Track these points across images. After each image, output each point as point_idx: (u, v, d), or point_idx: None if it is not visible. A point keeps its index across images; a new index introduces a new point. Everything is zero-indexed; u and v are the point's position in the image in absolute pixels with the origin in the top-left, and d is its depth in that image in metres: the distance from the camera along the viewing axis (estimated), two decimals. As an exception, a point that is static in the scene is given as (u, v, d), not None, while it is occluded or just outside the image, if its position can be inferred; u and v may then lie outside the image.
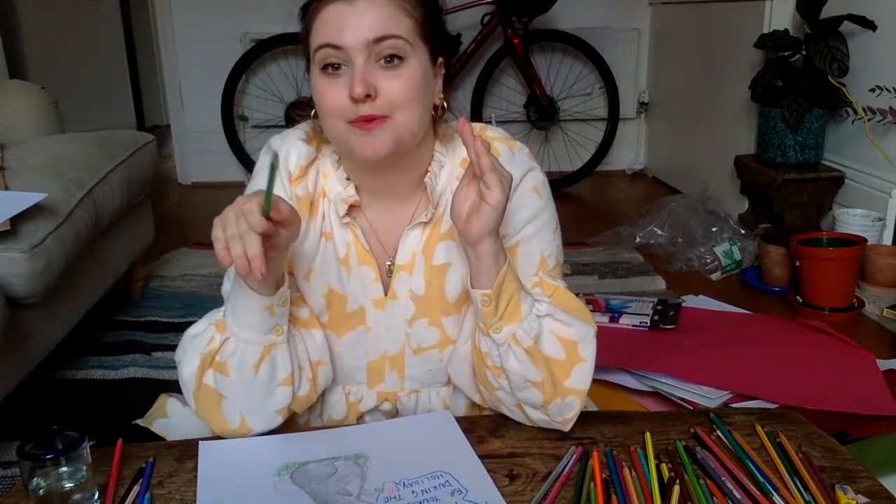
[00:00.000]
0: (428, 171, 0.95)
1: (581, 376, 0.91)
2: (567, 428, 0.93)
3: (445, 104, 0.94)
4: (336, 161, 0.96)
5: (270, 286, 0.86)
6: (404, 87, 0.85)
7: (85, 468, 0.77)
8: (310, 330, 0.97)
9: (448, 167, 0.96)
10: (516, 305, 0.87)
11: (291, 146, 0.96)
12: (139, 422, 1.08)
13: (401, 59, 0.85)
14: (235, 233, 0.76)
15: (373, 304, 0.98)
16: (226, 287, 0.94)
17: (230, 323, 0.89)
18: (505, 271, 0.86)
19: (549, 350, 0.90)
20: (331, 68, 0.85)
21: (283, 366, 0.91)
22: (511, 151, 0.96)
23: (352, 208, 0.96)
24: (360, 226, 0.96)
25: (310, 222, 0.96)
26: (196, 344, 0.91)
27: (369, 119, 0.85)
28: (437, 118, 0.95)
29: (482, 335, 0.89)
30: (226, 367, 0.89)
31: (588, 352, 0.92)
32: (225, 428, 0.92)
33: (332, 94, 0.85)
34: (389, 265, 0.97)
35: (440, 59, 0.92)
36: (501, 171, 0.82)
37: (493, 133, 0.98)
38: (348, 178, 0.95)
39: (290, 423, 1.01)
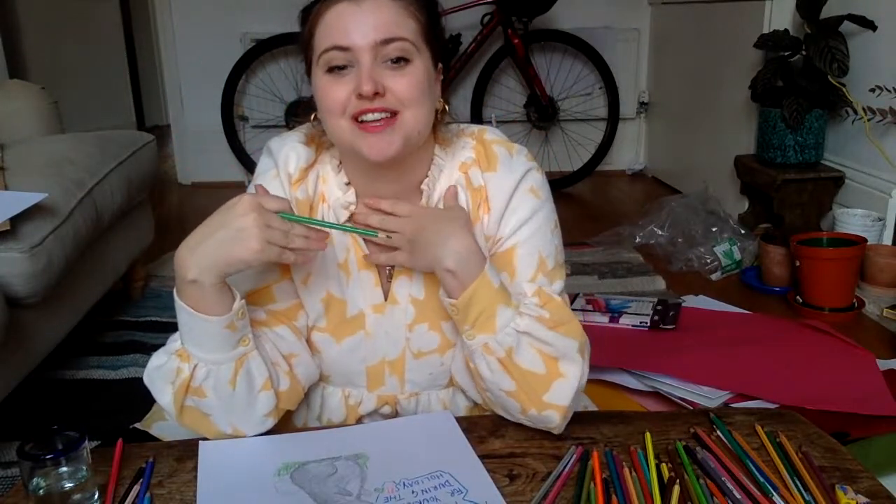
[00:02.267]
0: (427, 176, 0.95)
1: (561, 392, 0.89)
2: (556, 433, 0.92)
3: (446, 107, 0.94)
4: (336, 166, 0.96)
5: (224, 305, 0.84)
6: (411, 85, 0.85)
7: (85, 468, 0.77)
8: (271, 328, 0.95)
9: (447, 171, 0.95)
10: (489, 318, 0.87)
11: (290, 149, 0.95)
12: (138, 425, 1.08)
13: (407, 60, 0.85)
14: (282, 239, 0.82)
15: (372, 309, 0.97)
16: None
17: (193, 351, 0.87)
18: (475, 287, 0.86)
19: (527, 363, 0.89)
20: (336, 69, 0.85)
21: (259, 372, 0.90)
22: (509, 154, 0.96)
23: (351, 213, 0.95)
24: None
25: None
26: (162, 375, 0.89)
27: (376, 118, 0.85)
28: (438, 122, 0.94)
29: (460, 336, 0.91)
30: (202, 390, 0.88)
31: (570, 368, 0.90)
32: (219, 436, 0.92)
33: (337, 91, 0.85)
34: (389, 270, 0.97)
35: (440, 65, 0.92)
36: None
37: (491, 136, 0.98)
38: (348, 184, 0.95)
39: (289, 426, 1.01)
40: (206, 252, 0.82)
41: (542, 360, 0.89)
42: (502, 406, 0.93)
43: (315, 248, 0.86)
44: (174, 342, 0.89)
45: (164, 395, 0.89)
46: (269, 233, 0.81)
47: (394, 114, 0.85)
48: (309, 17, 0.87)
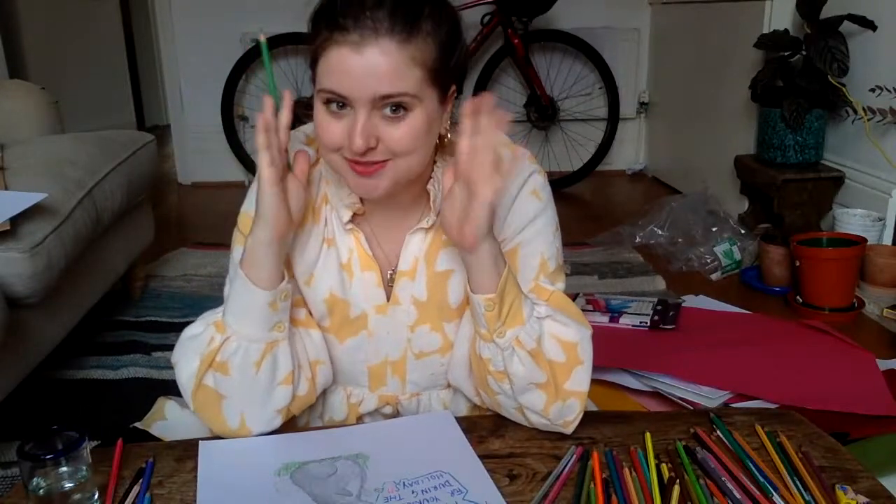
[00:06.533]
0: (431, 178, 0.95)
1: (580, 378, 0.91)
2: (569, 431, 0.93)
3: (450, 135, 0.92)
4: None
5: (274, 279, 0.87)
6: (406, 136, 0.83)
7: (85, 468, 0.77)
8: (307, 330, 0.97)
9: (450, 174, 0.95)
10: (518, 308, 0.87)
11: (293, 149, 0.96)
12: (138, 425, 1.08)
13: (406, 109, 0.82)
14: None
15: (375, 310, 0.98)
16: (227, 290, 0.93)
17: (231, 322, 0.89)
18: (506, 275, 0.86)
19: (550, 352, 0.90)
20: (334, 105, 0.83)
21: (285, 364, 0.91)
22: (513, 156, 0.96)
23: (354, 214, 0.96)
24: (362, 231, 0.96)
25: (312, 227, 0.95)
26: (195, 344, 0.91)
27: (368, 165, 0.84)
28: (441, 143, 0.93)
29: (484, 342, 0.89)
30: (227, 366, 0.89)
31: (586, 354, 0.92)
32: (224, 428, 0.92)
33: (333, 132, 0.84)
34: (391, 271, 0.97)
35: (452, 88, 0.89)
36: (490, 166, 0.79)
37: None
38: None
39: (290, 424, 1.01)
40: None
41: (561, 348, 0.90)
42: (522, 405, 0.92)
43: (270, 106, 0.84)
44: (215, 314, 0.91)
45: (190, 365, 0.90)
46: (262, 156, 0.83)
47: (385, 161, 0.84)
48: (316, 36, 0.84)
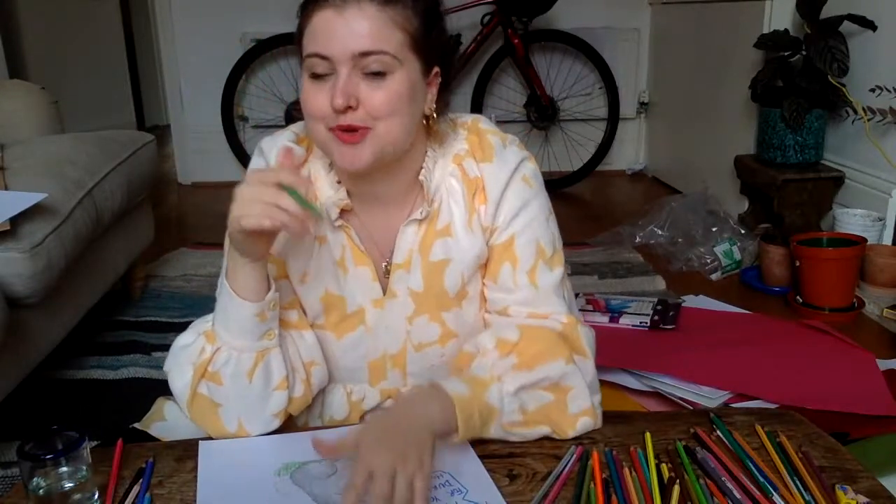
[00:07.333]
0: (422, 169, 0.95)
1: (579, 399, 0.92)
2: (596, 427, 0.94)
3: (435, 115, 0.92)
4: (327, 164, 0.96)
5: (259, 291, 0.86)
6: (386, 99, 0.84)
7: (85, 468, 0.78)
8: (300, 332, 0.97)
9: (441, 164, 0.96)
10: (488, 411, 0.86)
11: (281, 145, 0.96)
12: (137, 425, 1.08)
13: (386, 73, 0.84)
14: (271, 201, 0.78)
15: (372, 304, 0.98)
16: (220, 290, 0.93)
17: (221, 333, 0.89)
18: (462, 418, 0.83)
19: (537, 402, 0.90)
20: (318, 75, 0.85)
21: (278, 370, 0.91)
22: (502, 144, 0.96)
23: (344, 210, 0.96)
24: (353, 227, 0.96)
25: None
26: (186, 354, 0.91)
27: (351, 130, 0.84)
28: (429, 125, 0.94)
29: None
30: (219, 376, 0.89)
31: (573, 377, 0.92)
32: (223, 432, 0.92)
33: (316, 100, 0.85)
34: (386, 264, 0.97)
35: (435, 69, 0.91)
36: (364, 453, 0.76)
37: (485, 126, 0.98)
38: (339, 182, 0.95)
39: (290, 425, 1.01)
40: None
41: (543, 392, 0.91)
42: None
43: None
44: (206, 323, 0.92)
45: (183, 375, 0.90)
46: (251, 201, 0.79)
47: (367, 129, 0.85)
48: (303, 13, 0.87)
